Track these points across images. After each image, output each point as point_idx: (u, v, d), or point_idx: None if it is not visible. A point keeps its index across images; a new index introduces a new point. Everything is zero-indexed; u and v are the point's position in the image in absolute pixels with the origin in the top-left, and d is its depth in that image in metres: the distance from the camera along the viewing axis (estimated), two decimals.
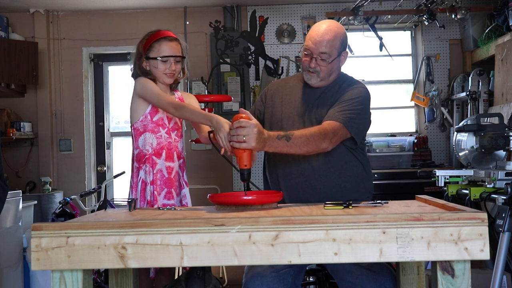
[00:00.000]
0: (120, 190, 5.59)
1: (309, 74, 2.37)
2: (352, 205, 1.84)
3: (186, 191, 2.67)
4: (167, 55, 2.56)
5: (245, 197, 1.97)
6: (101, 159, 5.64)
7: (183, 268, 2.74)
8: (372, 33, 5.01)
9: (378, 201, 1.88)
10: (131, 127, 2.64)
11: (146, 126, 2.58)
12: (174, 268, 3.21)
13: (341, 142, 2.28)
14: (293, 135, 2.10)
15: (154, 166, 2.57)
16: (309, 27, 5.22)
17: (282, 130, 2.26)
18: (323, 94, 2.39)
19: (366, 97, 2.37)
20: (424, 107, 5.34)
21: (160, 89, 2.53)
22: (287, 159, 2.34)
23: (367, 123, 2.39)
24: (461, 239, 1.46)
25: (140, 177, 2.59)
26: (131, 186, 2.63)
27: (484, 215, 1.47)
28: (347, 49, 2.42)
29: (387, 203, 1.91)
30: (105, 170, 5.62)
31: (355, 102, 2.30)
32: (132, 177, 2.64)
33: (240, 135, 1.97)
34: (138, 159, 2.61)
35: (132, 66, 2.65)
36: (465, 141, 3.45)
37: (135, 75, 2.63)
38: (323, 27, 2.34)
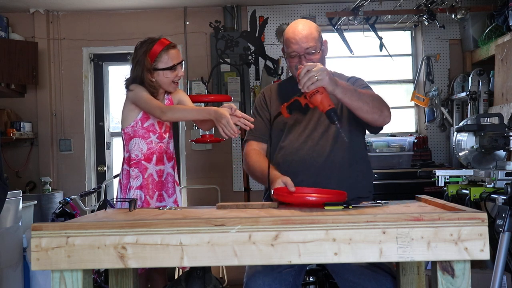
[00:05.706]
0: None
1: None
2: (352, 205, 1.84)
3: (176, 189, 2.72)
4: (176, 63, 2.56)
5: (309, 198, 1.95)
6: (101, 159, 5.64)
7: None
8: (372, 33, 5.00)
9: (378, 201, 1.88)
10: (121, 131, 2.66)
11: (136, 132, 2.60)
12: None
13: (349, 138, 2.29)
14: (357, 89, 2.12)
15: (144, 171, 2.60)
16: None
17: (287, 131, 2.28)
18: None
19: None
20: (424, 107, 5.33)
21: (152, 96, 2.53)
22: (291, 157, 2.35)
23: None
24: (461, 239, 1.46)
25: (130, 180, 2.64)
26: (120, 187, 2.68)
27: (484, 215, 1.47)
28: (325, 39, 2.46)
29: (387, 203, 1.91)
30: (105, 170, 5.62)
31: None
32: (122, 178, 2.68)
33: (312, 75, 1.95)
34: (128, 162, 2.64)
35: (129, 77, 2.60)
36: (465, 141, 3.45)
37: (128, 84, 2.60)
38: (299, 27, 2.38)
